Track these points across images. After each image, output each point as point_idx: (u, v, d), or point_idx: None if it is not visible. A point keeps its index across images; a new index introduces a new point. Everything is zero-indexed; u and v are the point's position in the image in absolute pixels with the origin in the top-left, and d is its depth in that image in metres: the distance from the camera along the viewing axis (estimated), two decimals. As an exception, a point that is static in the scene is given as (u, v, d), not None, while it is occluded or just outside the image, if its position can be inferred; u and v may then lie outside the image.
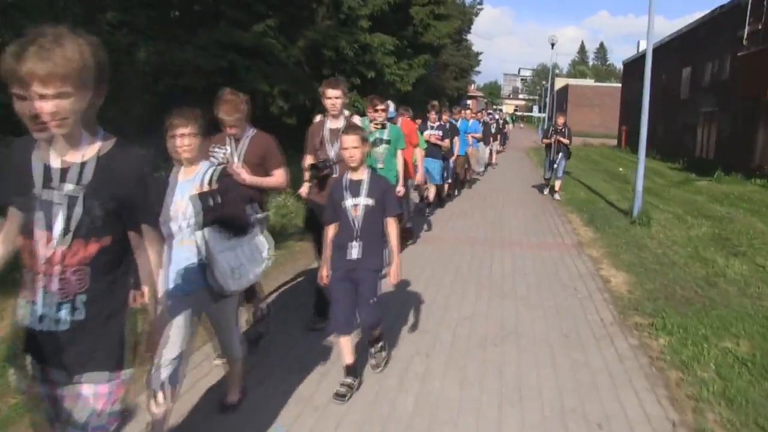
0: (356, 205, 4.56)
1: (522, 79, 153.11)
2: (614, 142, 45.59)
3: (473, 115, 19.94)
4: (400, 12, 23.53)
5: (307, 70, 17.74)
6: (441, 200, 13.67)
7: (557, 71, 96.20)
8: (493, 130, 23.59)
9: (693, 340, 5.76)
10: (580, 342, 5.84)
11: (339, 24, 17.68)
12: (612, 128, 62.51)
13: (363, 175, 4.62)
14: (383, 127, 7.63)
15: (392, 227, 4.65)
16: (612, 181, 20.20)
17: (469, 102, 64.28)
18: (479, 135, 17.07)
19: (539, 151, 36.71)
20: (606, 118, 64.77)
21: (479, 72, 63.49)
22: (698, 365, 5.26)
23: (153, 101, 15.29)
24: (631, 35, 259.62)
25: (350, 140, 4.50)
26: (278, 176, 5.08)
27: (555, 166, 15.37)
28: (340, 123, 5.80)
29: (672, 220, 12.49)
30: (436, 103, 12.73)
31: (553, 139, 15.08)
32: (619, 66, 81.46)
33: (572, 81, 77.66)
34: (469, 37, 55.04)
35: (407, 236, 9.63)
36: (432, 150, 11.72)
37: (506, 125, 36.29)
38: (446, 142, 12.22)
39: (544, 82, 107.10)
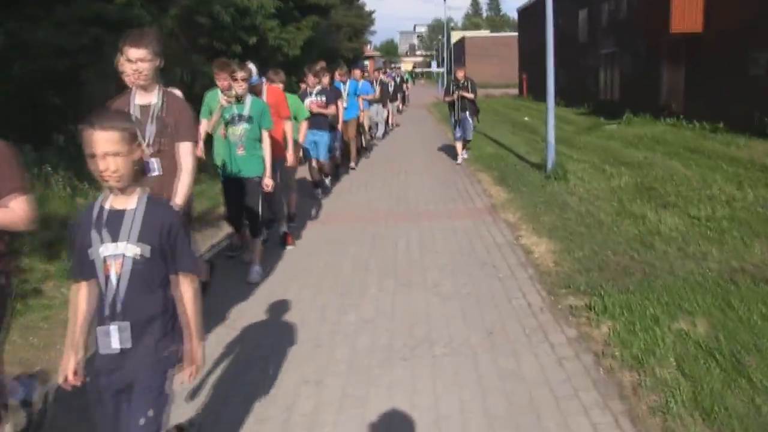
0: (117, 255, 2.56)
1: (418, 36, 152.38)
2: (515, 91, 45.29)
3: (365, 75, 18.73)
4: (281, -28, 21.88)
5: (183, 42, 15.96)
6: (336, 174, 12.26)
7: (452, 25, 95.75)
8: (391, 90, 21.95)
9: (642, 324, 4.71)
10: (507, 341, 4.70)
11: (212, -14, 15.91)
12: (512, 77, 62.48)
13: (131, 202, 2.61)
14: (240, 100, 6.23)
15: (187, 291, 2.70)
16: (520, 132, 19.35)
17: (366, 62, 62.89)
18: (371, 96, 15.22)
19: (441, 107, 35.71)
20: (505, 68, 64.61)
21: (374, 32, 61.97)
22: (655, 360, 4.20)
23: (7, 89, 13.33)
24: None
25: (103, 141, 2.44)
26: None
27: (463, 125, 13.39)
28: (153, 97, 4.24)
29: (589, 171, 11.60)
30: (316, 65, 10.89)
31: (456, 96, 13.21)
32: (514, 15, 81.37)
33: (468, 33, 77.12)
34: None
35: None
36: (317, 120, 9.78)
37: (405, 84, 34.99)
38: (332, 108, 10.36)
39: (440, 37, 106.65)
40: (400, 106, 26.76)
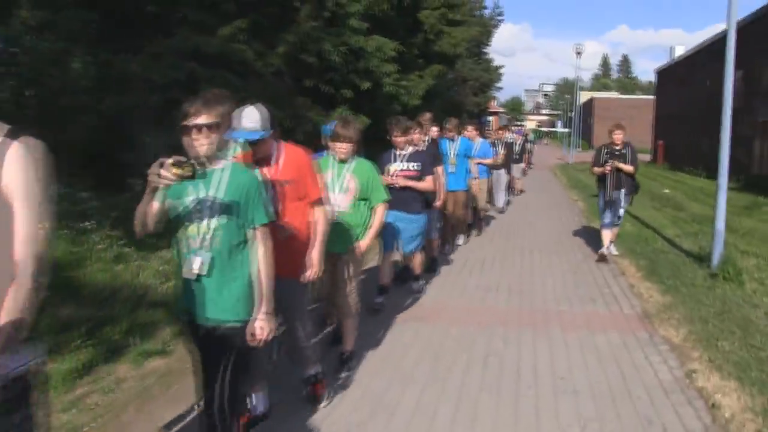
0: None
1: (544, 95, 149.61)
2: (646, 156, 42.24)
3: (486, 132, 16.28)
4: (407, 17, 20.41)
5: (289, 82, 14.59)
6: (433, 267, 9.06)
7: (580, 85, 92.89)
8: (517, 149, 18.83)
9: None
10: None
11: (324, 24, 14.44)
12: (642, 143, 59.29)
13: None
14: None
15: None
16: (662, 207, 16.84)
17: (490, 118, 61.12)
18: (491, 160, 11.69)
19: (566, 169, 33.36)
20: (634, 132, 61.22)
21: (501, 88, 60.07)
22: None
23: (94, 123, 12.27)
24: (650, 48, 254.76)
25: None
26: None
27: (614, 208, 9.96)
28: None
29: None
30: (422, 116, 8.87)
31: (609, 167, 9.71)
32: (644, 79, 78.03)
33: (597, 94, 74.19)
34: (488, 50, 52.09)
35: None
36: (402, 198, 6.77)
37: (531, 143, 32.49)
38: (428, 182, 7.10)
39: (567, 96, 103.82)
40: (525, 169, 23.77)
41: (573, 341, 6.21)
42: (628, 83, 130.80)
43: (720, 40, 27.59)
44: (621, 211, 10.09)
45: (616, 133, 9.97)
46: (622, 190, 9.90)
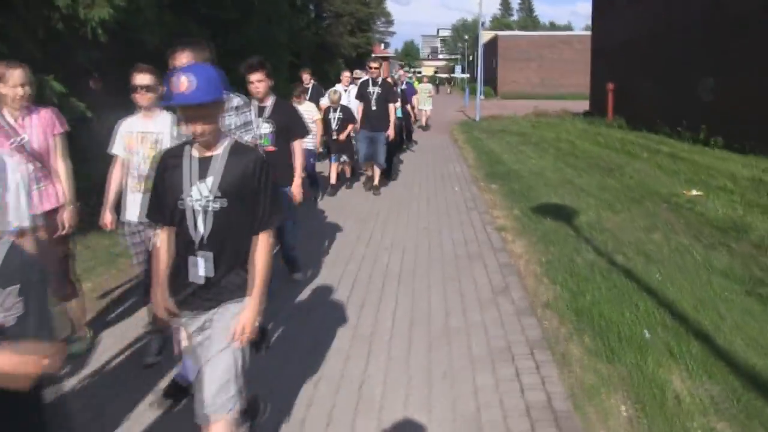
0: None
1: (442, 40, 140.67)
2: (577, 105, 30.83)
3: None
4: None
5: None
6: None
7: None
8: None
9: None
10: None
11: None
12: (557, 87, 50.51)
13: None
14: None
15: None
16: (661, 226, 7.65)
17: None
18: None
19: (470, 130, 22.17)
20: (547, 75, 52.88)
21: (393, 33, 50.39)
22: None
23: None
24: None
25: None
26: None
27: None
28: None
29: None
30: None
31: None
32: (547, 18, 68.16)
33: (501, 33, 65.18)
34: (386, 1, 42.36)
35: None
36: None
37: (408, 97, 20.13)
38: None
39: (466, 38, 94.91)
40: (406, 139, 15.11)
41: None
42: (530, 23, 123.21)
43: None
44: None
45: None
46: None
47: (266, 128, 5.52)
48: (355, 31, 38.46)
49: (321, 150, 11.71)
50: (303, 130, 5.83)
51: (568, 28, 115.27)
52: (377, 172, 10.78)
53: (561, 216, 8.26)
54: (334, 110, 10.71)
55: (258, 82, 5.44)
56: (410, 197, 10.39)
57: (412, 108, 18.13)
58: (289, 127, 5.62)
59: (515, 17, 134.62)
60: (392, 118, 10.64)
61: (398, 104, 12.23)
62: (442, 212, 9.18)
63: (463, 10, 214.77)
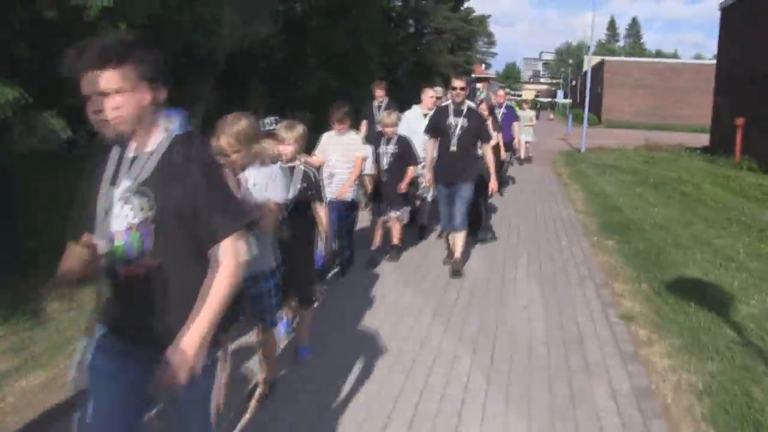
0: None
1: (544, 63, 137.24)
2: (688, 138, 29.28)
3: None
4: None
5: None
6: None
7: (585, 52, 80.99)
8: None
9: None
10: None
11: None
12: (667, 118, 47.05)
13: None
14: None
15: None
16: None
17: (478, 85, 49.34)
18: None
19: (574, 162, 19.69)
20: (658, 103, 49.50)
21: (495, 53, 48.38)
22: None
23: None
24: (652, 18, 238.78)
25: None
26: None
27: None
28: None
29: None
30: None
31: None
32: (652, 48, 64.34)
33: (608, 58, 61.96)
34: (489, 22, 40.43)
35: None
36: None
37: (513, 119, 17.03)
38: None
39: (570, 61, 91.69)
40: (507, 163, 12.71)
41: None
42: (637, 49, 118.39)
43: None
44: None
45: None
46: None
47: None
48: (455, 49, 36.65)
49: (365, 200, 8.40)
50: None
51: (675, 56, 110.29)
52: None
53: (710, 300, 6.11)
54: (387, 142, 7.43)
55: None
56: (505, 252, 8.37)
57: (512, 140, 13.69)
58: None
59: (621, 43, 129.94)
60: (491, 164, 7.53)
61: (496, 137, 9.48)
62: (547, 280, 7.10)
63: (567, 34, 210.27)
